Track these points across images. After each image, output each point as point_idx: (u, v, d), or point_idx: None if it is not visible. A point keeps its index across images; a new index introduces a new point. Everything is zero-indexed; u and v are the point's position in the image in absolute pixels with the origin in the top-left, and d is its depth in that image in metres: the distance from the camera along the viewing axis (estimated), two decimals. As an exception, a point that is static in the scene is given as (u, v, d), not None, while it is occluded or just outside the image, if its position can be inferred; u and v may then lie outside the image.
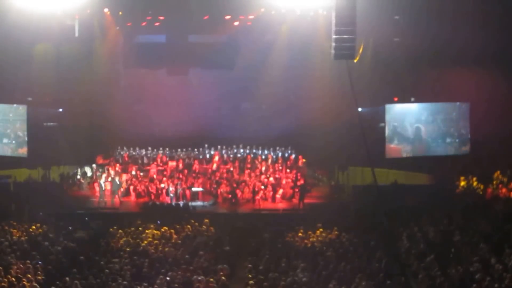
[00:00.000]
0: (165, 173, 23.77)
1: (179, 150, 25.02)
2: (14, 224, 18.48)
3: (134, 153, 25.25)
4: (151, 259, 15.45)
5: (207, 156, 24.82)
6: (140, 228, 18.33)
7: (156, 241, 17.04)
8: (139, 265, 14.94)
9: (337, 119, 23.09)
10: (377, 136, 22.65)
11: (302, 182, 23.12)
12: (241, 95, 26.14)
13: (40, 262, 14.84)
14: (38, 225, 18.50)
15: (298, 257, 15.77)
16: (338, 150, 22.96)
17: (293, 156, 24.98)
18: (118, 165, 24.30)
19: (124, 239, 17.18)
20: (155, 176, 23.52)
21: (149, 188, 22.58)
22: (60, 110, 24.66)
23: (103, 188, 21.83)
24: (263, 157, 24.73)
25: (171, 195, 22.12)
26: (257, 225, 19.22)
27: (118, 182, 22.25)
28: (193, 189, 22.61)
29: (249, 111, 26.44)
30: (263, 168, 23.89)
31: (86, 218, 19.81)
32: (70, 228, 18.59)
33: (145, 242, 16.88)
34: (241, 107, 26.72)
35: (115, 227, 18.41)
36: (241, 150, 25.05)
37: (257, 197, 22.07)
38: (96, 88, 24.31)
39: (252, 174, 23.54)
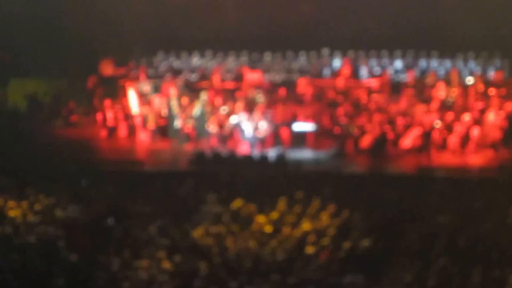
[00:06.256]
0: (238, 95, 23.82)
1: (266, 54, 25.50)
2: None
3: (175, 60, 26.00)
4: (213, 265, 15.31)
5: (326, 67, 25.10)
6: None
7: (222, 228, 16.89)
8: (187, 274, 14.94)
9: None
10: None
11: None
12: None
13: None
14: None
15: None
16: None
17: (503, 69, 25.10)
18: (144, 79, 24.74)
19: (159, 224, 17.12)
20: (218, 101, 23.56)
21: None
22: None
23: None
24: (441, 71, 25.07)
25: (250, 137, 22.10)
26: (424, 200, 18.56)
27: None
28: (296, 126, 22.41)
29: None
30: (441, 91, 23.74)
31: (83, 181, 19.60)
32: (50, 200, 18.31)
33: (201, 230, 16.62)
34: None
35: (140, 200, 18.30)
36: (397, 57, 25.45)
37: (428, 144, 21.94)
38: None
39: (418, 101, 23.61)
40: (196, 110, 22.43)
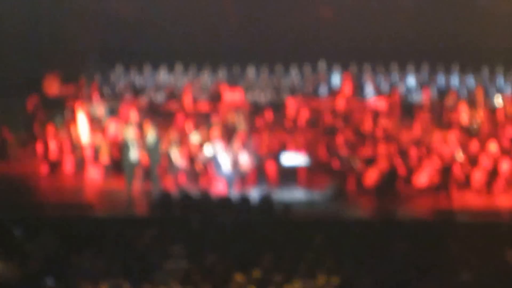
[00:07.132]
0: (213, 119, 23.59)
1: (249, 68, 26.01)
2: None
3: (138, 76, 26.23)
4: None
5: (323, 84, 25.55)
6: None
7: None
8: None
9: None
10: None
11: None
12: None
13: None
14: None
15: None
16: None
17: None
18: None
19: (112, 284, 16.67)
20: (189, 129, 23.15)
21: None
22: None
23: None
24: (464, 90, 25.35)
25: (228, 172, 21.84)
26: (444, 251, 18.32)
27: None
28: (285, 158, 22.07)
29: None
30: (463, 115, 23.80)
31: (16, 230, 18.93)
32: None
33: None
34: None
35: (88, 254, 17.77)
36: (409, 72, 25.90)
37: (448, 182, 21.63)
38: None
39: (435, 127, 23.53)
40: (149, 138, 21.67)
